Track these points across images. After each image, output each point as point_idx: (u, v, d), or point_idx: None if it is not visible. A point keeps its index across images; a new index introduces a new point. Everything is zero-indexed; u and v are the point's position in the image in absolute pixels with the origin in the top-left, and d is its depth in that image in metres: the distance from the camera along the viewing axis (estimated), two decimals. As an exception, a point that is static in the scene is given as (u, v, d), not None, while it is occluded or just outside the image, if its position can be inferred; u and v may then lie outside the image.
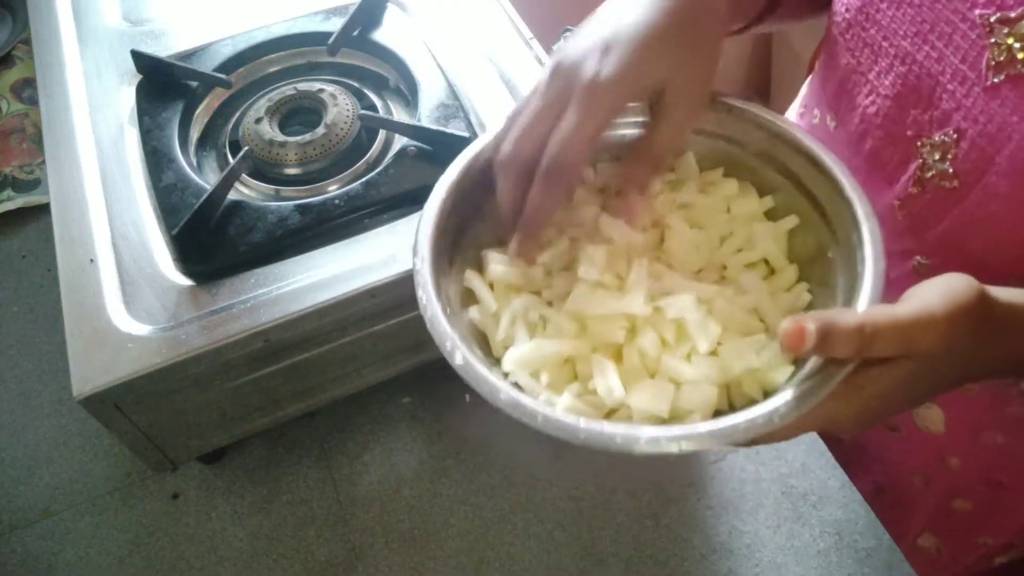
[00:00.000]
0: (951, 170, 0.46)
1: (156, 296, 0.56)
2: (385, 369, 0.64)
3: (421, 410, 0.70)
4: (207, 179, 0.63)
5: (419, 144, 0.64)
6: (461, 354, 0.39)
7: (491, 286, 0.46)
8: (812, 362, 0.39)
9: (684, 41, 0.42)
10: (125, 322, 0.55)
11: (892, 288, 0.54)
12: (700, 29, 0.43)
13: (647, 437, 0.36)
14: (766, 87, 1.76)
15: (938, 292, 0.36)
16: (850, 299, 0.40)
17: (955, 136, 0.45)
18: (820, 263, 0.45)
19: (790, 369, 0.41)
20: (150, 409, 0.56)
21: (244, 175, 0.65)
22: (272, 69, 0.75)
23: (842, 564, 0.61)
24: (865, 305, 0.38)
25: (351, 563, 0.63)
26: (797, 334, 0.35)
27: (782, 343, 0.36)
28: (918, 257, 0.52)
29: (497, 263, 0.46)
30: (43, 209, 0.84)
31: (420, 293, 0.42)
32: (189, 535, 0.65)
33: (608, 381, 0.41)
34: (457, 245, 0.47)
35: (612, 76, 0.40)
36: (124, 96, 0.70)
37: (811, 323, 0.35)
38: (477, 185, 0.47)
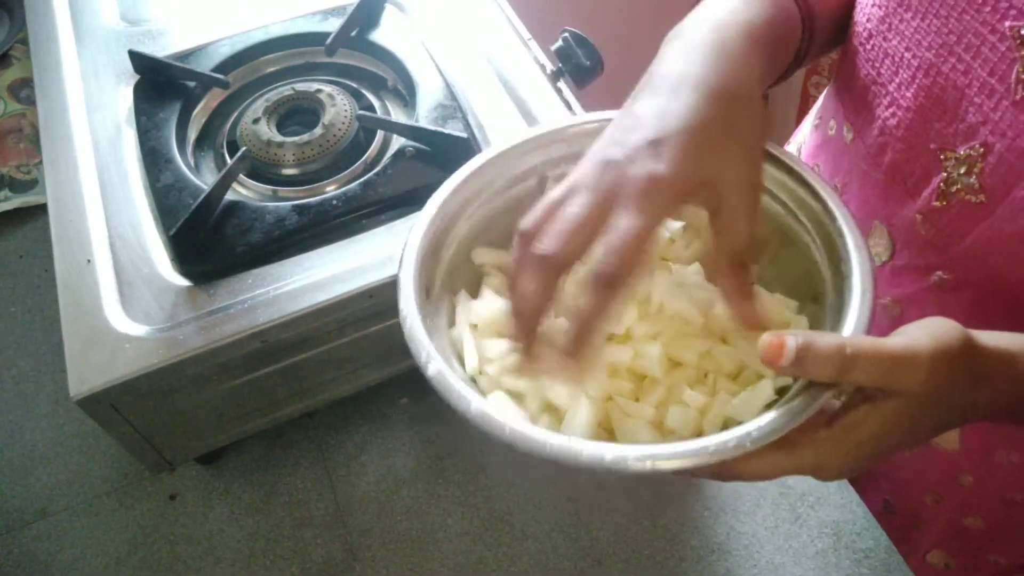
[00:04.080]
0: (977, 184, 0.45)
1: (153, 296, 0.56)
2: (383, 370, 0.64)
3: (419, 411, 0.70)
4: (204, 179, 0.63)
5: (417, 144, 0.64)
6: (435, 365, 0.40)
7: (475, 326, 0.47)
8: (791, 393, 0.38)
9: (734, 130, 0.40)
10: (122, 322, 0.54)
11: (911, 304, 0.54)
12: (744, 113, 0.41)
13: (613, 455, 0.36)
14: (764, 88, 1.76)
15: (925, 333, 0.36)
16: (837, 327, 0.40)
17: (982, 150, 0.44)
18: (811, 292, 0.45)
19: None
20: (147, 410, 0.55)
21: (242, 175, 0.65)
22: (270, 69, 0.74)
23: (840, 565, 0.61)
24: (850, 332, 0.38)
25: (349, 564, 0.63)
26: (776, 347, 0.35)
27: (761, 355, 0.36)
28: (940, 272, 0.51)
29: (480, 306, 0.47)
30: (40, 209, 0.84)
31: (402, 305, 0.42)
32: (186, 536, 0.65)
33: (573, 426, 0.41)
34: (449, 260, 0.48)
35: (669, 172, 0.38)
36: (121, 96, 0.70)
37: (791, 338, 0.35)
38: None
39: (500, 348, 0.45)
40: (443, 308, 0.47)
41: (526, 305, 0.39)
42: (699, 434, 0.41)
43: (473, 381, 0.44)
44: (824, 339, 0.35)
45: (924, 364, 0.35)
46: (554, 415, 0.43)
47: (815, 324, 0.44)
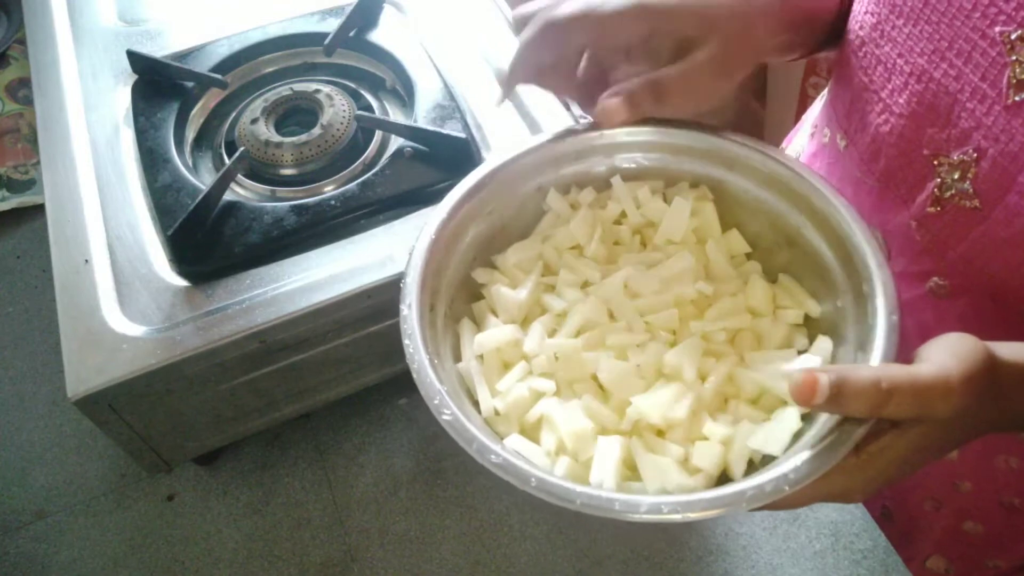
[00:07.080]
0: (971, 189, 0.45)
1: (151, 297, 0.56)
2: (381, 370, 0.64)
3: (417, 412, 0.70)
4: (203, 180, 0.63)
5: (415, 145, 0.64)
6: (449, 411, 0.38)
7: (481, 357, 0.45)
8: (820, 424, 0.37)
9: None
10: (120, 323, 0.54)
11: (907, 310, 0.54)
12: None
13: (648, 504, 0.35)
14: (762, 88, 1.76)
15: (950, 354, 0.35)
16: (861, 351, 0.39)
17: (975, 155, 0.44)
18: (830, 313, 0.45)
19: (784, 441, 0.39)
20: (145, 410, 0.55)
21: (240, 176, 0.65)
22: (268, 69, 0.74)
23: (838, 565, 0.61)
24: (878, 361, 0.37)
25: (347, 565, 0.63)
26: (808, 385, 0.34)
27: (792, 393, 0.35)
28: (936, 278, 0.51)
29: (483, 337, 0.45)
30: (38, 209, 0.83)
31: (407, 342, 0.41)
32: (184, 537, 0.65)
33: (604, 470, 0.40)
34: (450, 283, 0.46)
35: None
36: (119, 96, 0.70)
37: (824, 375, 0.34)
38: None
39: (510, 381, 0.44)
40: (448, 339, 0.46)
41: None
42: (726, 468, 0.41)
43: (488, 423, 0.43)
44: (857, 373, 0.34)
45: (956, 391, 0.34)
46: (573, 455, 0.42)
47: (833, 330, 0.44)
